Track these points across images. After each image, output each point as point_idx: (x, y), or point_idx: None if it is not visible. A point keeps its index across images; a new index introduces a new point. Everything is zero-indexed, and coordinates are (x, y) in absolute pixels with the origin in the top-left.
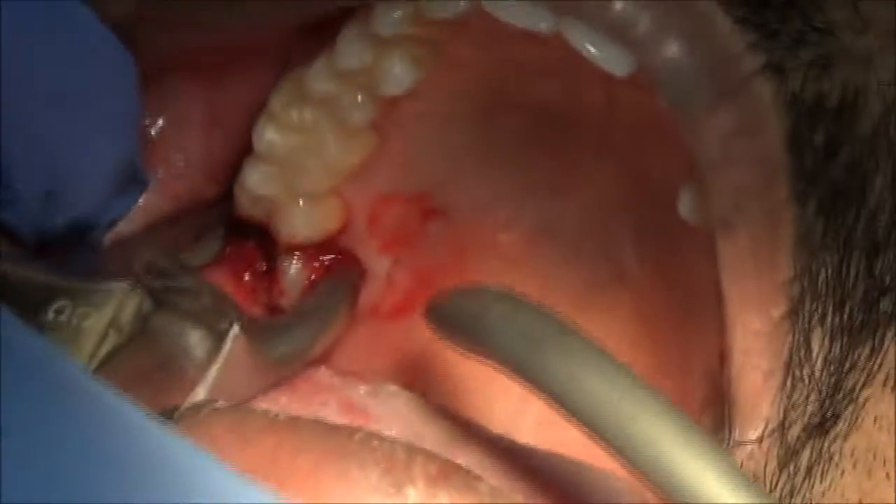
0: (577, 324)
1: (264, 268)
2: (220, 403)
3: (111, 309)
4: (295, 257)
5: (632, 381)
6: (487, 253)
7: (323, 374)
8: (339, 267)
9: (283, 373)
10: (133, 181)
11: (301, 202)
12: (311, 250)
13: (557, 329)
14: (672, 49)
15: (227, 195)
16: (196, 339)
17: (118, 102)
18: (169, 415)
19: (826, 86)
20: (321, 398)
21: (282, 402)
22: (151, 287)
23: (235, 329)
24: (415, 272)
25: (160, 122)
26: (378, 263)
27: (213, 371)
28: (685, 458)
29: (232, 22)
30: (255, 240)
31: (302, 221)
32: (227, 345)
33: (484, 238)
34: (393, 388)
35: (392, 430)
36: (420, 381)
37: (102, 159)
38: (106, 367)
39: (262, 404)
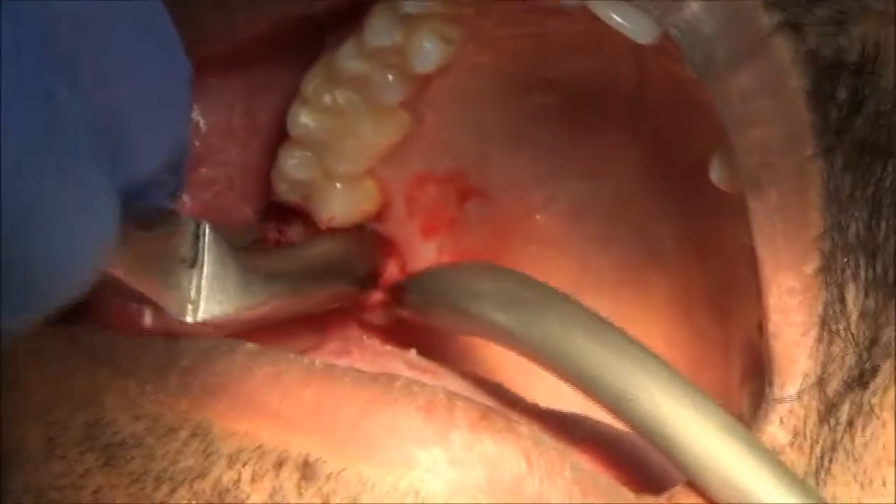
0: (616, 303)
1: None
2: (250, 345)
3: None
4: None
5: (624, 337)
6: (525, 234)
7: (376, 342)
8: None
9: (276, 300)
10: (176, 169)
11: (338, 185)
12: None
13: (545, 291)
14: (691, 9)
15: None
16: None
17: (178, 79)
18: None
19: (844, 41)
20: (384, 360)
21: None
22: None
23: (206, 225)
24: (457, 255)
25: (202, 125)
26: (423, 250)
27: (204, 269)
28: (677, 410)
29: (257, 16)
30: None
31: (339, 204)
32: (206, 237)
33: (521, 218)
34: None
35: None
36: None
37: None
38: None
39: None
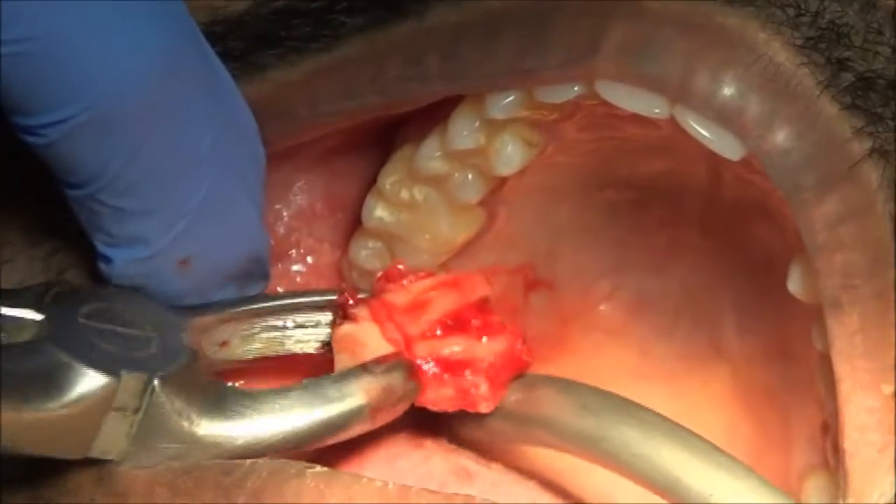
0: (677, 392)
1: None
2: (319, 468)
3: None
4: None
5: (707, 443)
6: (588, 324)
7: (444, 440)
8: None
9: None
10: (259, 276)
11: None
12: None
13: (618, 399)
14: (781, 136)
15: None
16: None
17: (253, 179)
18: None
19: None
20: (455, 456)
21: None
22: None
23: (155, 381)
24: None
25: (284, 213)
26: None
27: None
28: None
29: (351, 111)
30: None
31: None
32: (153, 389)
33: (585, 309)
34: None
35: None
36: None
37: (241, 229)
38: None
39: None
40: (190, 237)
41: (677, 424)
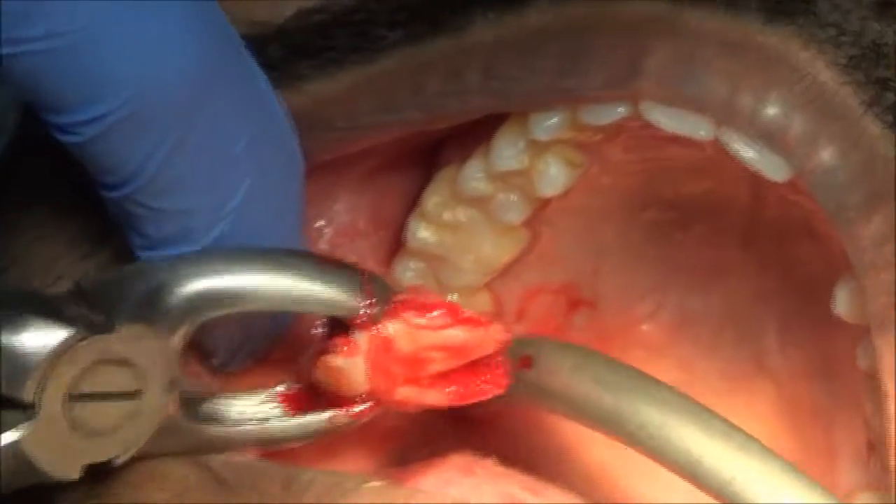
0: (720, 410)
1: None
2: (376, 483)
3: None
4: None
5: (729, 426)
6: (630, 343)
7: (489, 463)
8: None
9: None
10: None
11: (451, 297)
12: None
13: (636, 376)
14: (825, 154)
15: None
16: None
17: (290, 185)
18: None
19: None
20: (502, 481)
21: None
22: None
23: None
24: None
25: (327, 230)
26: None
27: None
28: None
29: (390, 125)
30: None
31: None
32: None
33: (627, 328)
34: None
35: None
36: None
37: (278, 234)
38: None
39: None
40: (228, 240)
41: (696, 403)
